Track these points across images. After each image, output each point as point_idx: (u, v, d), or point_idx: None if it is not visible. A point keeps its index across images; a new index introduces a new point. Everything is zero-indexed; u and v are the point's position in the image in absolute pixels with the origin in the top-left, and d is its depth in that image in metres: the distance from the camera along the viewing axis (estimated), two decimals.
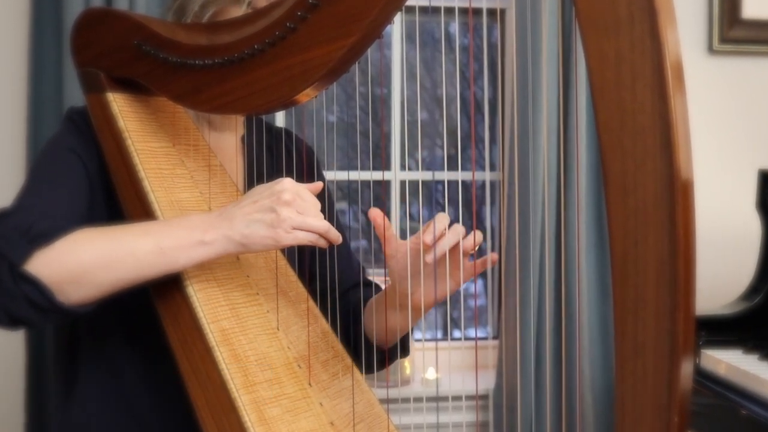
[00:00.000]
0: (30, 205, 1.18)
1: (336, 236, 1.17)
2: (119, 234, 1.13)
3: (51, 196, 1.22)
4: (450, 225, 1.20)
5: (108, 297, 1.13)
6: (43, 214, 1.16)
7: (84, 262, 1.09)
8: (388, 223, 1.22)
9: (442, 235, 1.18)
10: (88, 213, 1.23)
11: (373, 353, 1.38)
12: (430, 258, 1.19)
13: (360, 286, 1.48)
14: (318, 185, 1.19)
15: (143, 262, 1.11)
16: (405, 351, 1.41)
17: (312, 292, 1.36)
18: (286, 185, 1.14)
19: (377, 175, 2.06)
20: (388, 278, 1.30)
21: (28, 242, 1.08)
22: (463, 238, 1.20)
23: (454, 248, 1.20)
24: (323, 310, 1.34)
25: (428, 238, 1.18)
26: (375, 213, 1.21)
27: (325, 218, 1.15)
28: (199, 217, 1.17)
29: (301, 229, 1.13)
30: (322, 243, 1.16)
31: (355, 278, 1.51)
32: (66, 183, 1.24)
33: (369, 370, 1.39)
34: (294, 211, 1.12)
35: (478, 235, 1.21)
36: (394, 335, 1.35)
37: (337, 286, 1.38)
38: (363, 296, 1.42)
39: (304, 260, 1.39)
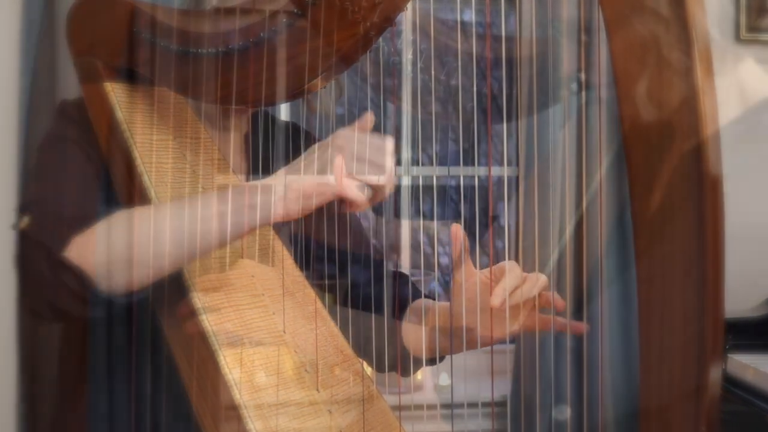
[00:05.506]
0: (51, 195, 1.18)
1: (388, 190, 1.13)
2: (160, 211, 1.12)
3: (69, 181, 1.21)
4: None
5: (153, 282, 1.11)
6: (70, 201, 1.15)
7: (126, 243, 1.08)
8: (468, 247, 1.21)
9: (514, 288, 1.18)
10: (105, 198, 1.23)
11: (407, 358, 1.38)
12: (498, 301, 1.16)
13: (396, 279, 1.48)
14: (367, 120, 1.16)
15: (197, 233, 1.08)
16: (434, 362, 1.41)
17: (342, 286, 1.38)
18: (340, 132, 1.12)
19: None
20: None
21: (64, 228, 1.07)
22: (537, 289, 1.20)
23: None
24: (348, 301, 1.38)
25: (497, 300, 1.16)
26: (456, 229, 1.20)
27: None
28: (247, 184, 1.15)
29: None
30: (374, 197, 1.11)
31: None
32: (78, 169, 1.24)
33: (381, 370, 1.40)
34: (344, 156, 1.09)
35: (558, 299, 1.22)
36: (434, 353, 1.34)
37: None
38: (400, 293, 1.43)
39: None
